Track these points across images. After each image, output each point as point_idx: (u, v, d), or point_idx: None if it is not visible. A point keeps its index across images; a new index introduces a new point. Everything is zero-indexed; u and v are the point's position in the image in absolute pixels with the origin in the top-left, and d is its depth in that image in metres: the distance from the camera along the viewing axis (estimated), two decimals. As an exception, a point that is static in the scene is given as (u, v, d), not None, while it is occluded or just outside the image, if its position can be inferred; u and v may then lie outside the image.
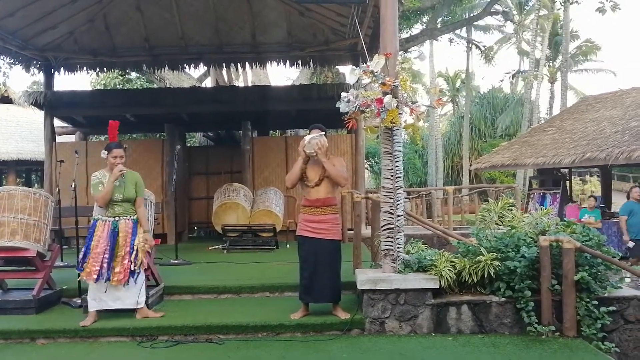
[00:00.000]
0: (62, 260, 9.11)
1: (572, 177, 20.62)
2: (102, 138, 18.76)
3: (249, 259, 9.67)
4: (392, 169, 6.24)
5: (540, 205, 15.76)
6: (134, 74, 20.57)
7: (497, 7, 23.23)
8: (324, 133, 6.28)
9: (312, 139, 6.10)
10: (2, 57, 11.74)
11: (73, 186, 8.05)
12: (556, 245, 6.00)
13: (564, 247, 5.85)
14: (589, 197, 13.43)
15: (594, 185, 30.83)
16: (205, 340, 5.91)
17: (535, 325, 5.87)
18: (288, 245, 11.04)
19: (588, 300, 5.87)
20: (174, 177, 10.15)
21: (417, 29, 21.58)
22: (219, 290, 7.38)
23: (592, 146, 14.75)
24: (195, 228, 14.77)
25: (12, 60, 12.05)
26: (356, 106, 5.99)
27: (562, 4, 22.44)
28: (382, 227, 6.35)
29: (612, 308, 5.89)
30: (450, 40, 26.06)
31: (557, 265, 5.98)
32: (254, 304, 6.97)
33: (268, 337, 6.01)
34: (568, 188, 17.47)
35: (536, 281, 6.00)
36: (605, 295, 6.02)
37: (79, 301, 6.87)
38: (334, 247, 6.31)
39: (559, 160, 15.26)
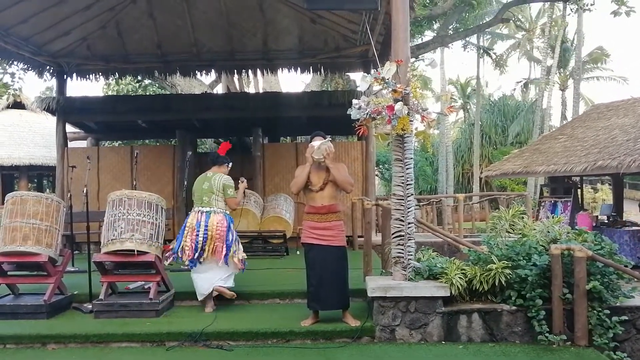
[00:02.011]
0: (73, 266, 9.15)
1: (584, 185, 20.50)
2: (116, 144, 18.89)
3: (259, 265, 9.67)
4: (402, 176, 6.23)
5: (551, 213, 15.68)
6: (146, 81, 20.66)
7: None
8: (330, 139, 6.31)
9: (322, 145, 6.12)
10: (15, 63, 11.81)
11: (85, 191, 8.09)
12: (568, 253, 5.97)
13: (576, 255, 5.82)
14: None
15: (605, 193, 30.67)
16: (216, 347, 5.91)
17: (547, 334, 5.84)
18: (298, 252, 11.00)
19: (600, 309, 5.83)
20: (185, 183, 10.17)
21: (428, 36, 21.60)
22: (229, 296, 7.39)
23: (603, 154, 14.65)
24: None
25: (26, 66, 12.12)
26: (367, 113, 6.00)
27: (575, 11, 22.36)
28: (392, 234, 6.33)
29: (624, 317, 5.85)
30: (465, 46, 25.98)
31: (569, 273, 5.95)
32: (264, 311, 6.98)
33: (278, 344, 6.01)
34: (579, 196, 17.37)
35: (547, 290, 5.97)
36: (618, 304, 5.97)
37: (90, 306, 6.91)
38: (340, 254, 6.32)
39: (570, 168, 15.17)
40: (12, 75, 12.07)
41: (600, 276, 5.94)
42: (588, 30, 76.26)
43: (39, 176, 25.78)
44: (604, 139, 15.98)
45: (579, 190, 17.32)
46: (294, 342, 6.04)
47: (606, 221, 15.08)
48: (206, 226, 6.88)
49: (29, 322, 6.54)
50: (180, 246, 6.94)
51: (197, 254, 6.87)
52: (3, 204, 7.14)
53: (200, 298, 7.09)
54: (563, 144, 17.67)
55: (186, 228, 6.97)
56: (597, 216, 16.16)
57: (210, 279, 6.98)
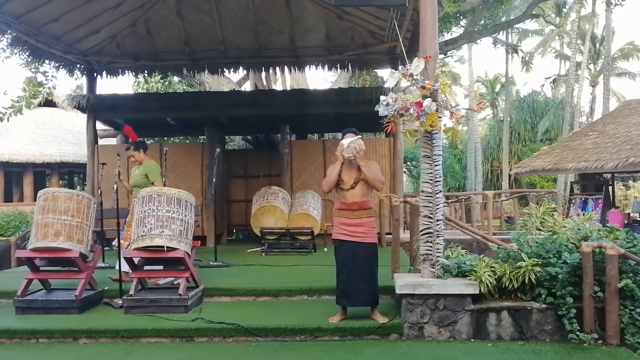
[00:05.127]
0: (103, 262, 9.27)
1: (615, 182, 20.23)
2: (146, 141, 19.07)
3: (287, 261, 9.69)
4: (431, 172, 6.20)
5: (582, 211, 15.51)
6: (175, 78, 20.82)
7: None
8: (360, 136, 6.28)
9: (351, 143, 6.09)
10: (47, 61, 11.99)
11: (115, 188, 8.17)
12: (599, 251, 5.88)
13: (607, 253, 5.74)
14: None
15: (637, 190, 30.23)
16: (244, 342, 5.94)
17: (577, 333, 5.76)
18: (326, 249, 11.03)
19: (632, 308, 5.74)
20: (214, 180, 10.24)
21: (456, 32, 21.43)
22: (257, 292, 7.41)
23: (635, 151, 14.46)
24: (234, 230, 14.88)
25: (57, 64, 12.30)
26: (395, 109, 5.96)
27: (607, 5, 22.04)
28: (421, 231, 6.31)
29: (657, 316, 5.76)
30: (495, 43, 25.71)
31: (600, 271, 5.86)
32: (292, 307, 6.98)
33: (306, 340, 6.02)
34: (611, 193, 17.14)
35: (578, 288, 5.89)
36: (650, 303, 5.89)
37: (120, 302, 6.98)
38: (371, 251, 6.28)
39: (602, 165, 15.00)
40: (45, 73, 12.24)
41: (632, 274, 5.84)
42: (621, 26, 74.98)
43: (69, 173, 26.18)
44: (636, 135, 15.77)
45: (610, 188, 17.12)
46: (322, 339, 6.04)
47: (638, 218, 14.88)
48: None
49: (61, 316, 6.63)
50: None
51: None
52: (35, 200, 7.24)
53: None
54: (594, 140, 17.46)
55: None
56: (629, 213, 15.99)
57: None
